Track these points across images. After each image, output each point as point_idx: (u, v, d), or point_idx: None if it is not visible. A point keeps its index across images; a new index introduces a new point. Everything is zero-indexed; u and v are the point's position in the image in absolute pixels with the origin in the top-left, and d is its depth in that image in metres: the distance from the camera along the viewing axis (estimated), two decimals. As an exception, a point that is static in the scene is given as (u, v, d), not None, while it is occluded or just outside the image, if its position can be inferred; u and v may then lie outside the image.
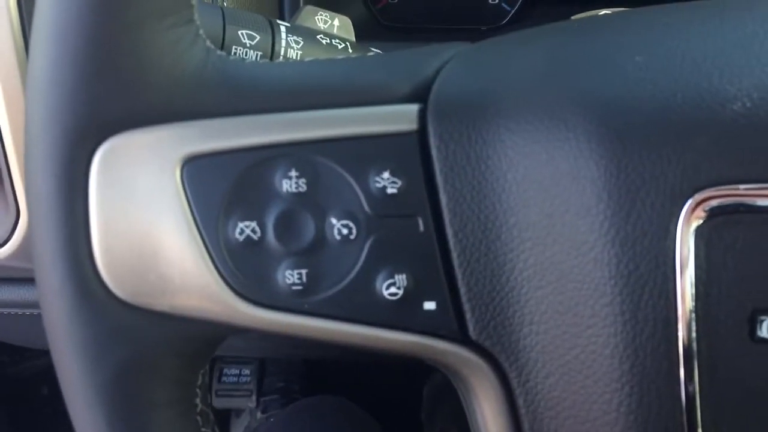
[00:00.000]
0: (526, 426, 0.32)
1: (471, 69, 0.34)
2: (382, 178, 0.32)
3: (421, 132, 0.32)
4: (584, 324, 0.30)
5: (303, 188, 0.32)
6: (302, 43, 0.47)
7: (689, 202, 0.28)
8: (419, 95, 0.33)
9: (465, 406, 0.36)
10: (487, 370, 0.33)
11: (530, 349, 0.32)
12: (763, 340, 0.29)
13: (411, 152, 0.32)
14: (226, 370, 1.05)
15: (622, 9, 0.52)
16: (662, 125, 0.29)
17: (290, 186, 0.32)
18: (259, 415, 1.03)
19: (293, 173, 0.32)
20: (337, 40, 0.49)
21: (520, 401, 0.32)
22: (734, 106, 0.29)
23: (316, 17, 0.51)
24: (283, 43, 0.47)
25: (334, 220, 0.32)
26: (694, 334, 0.29)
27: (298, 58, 0.47)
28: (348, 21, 0.52)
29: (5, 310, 0.69)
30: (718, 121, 0.29)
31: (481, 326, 0.32)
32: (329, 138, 0.32)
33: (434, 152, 0.32)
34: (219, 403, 1.00)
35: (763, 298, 0.29)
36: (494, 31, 0.82)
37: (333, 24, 0.51)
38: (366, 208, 0.32)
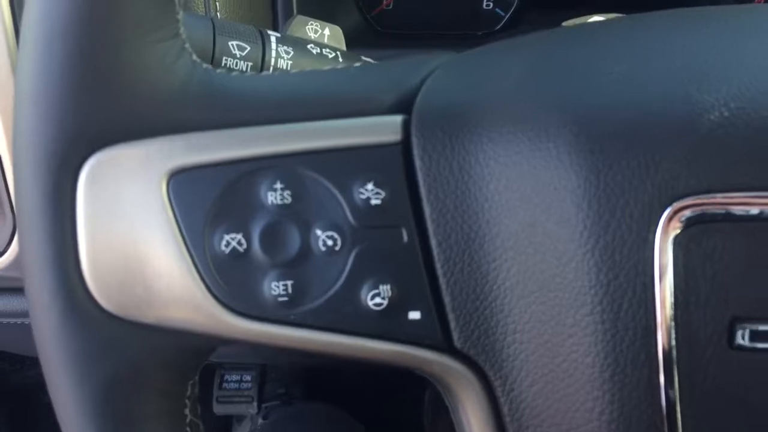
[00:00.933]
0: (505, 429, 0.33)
1: (454, 80, 0.34)
2: (366, 190, 0.32)
3: (405, 143, 0.33)
4: (566, 333, 0.31)
5: (288, 200, 0.32)
6: (292, 53, 0.48)
7: (667, 212, 0.29)
8: (403, 106, 0.33)
9: (452, 413, 0.36)
10: (472, 378, 0.33)
11: (514, 358, 0.32)
12: (742, 348, 0.29)
13: (395, 163, 0.32)
14: (227, 377, 1.05)
15: (614, 15, 0.53)
16: (640, 135, 0.29)
17: (275, 198, 0.32)
18: (260, 421, 1.03)
19: (278, 185, 0.32)
20: (328, 50, 0.50)
21: (504, 409, 0.33)
22: (711, 115, 0.29)
23: (306, 27, 0.51)
24: (274, 53, 0.47)
25: (319, 232, 0.32)
26: (673, 342, 0.29)
27: (289, 67, 0.48)
28: (339, 30, 0.53)
29: (4, 320, 0.69)
30: (695, 130, 0.29)
31: (466, 335, 0.32)
32: (313, 150, 0.33)
33: (418, 163, 0.32)
34: (220, 409, 1.01)
35: (741, 306, 0.29)
36: (489, 37, 0.82)
37: (323, 33, 0.51)
38: (350, 219, 0.32)
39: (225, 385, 1.04)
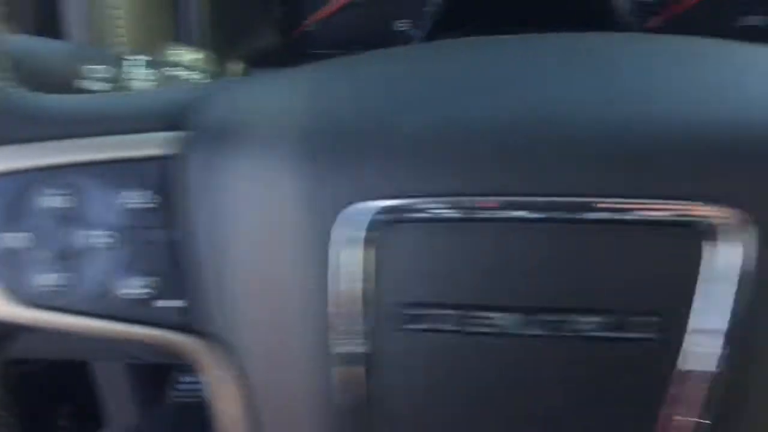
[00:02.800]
0: (245, 402, 0.38)
1: (221, 103, 0.39)
2: (137, 196, 0.38)
3: (173, 156, 0.38)
4: (282, 321, 0.36)
5: (68, 204, 0.38)
6: (148, 75, 0.54)
7: (343, 213, 0.33)
8: (174, 124, 0.39)
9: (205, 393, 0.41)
10: (216, 358, 0.38)
11: (247, 339, 0.37)
12: (411, 330, 0.33)
13: (162, 174, 0.38)
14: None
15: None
16: (332, 150, 0.34)
17: (56, 203, 0.38)
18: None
19: (58, 192, 0.38)
20: (185, 72, 0.55)
21: (240, 383, 0.38)
22: (396, 132, 0.34)
23: (169, 52, 0.57)
24: (130, 75, 0.53)
25: (94, 232, 0.38)
26: (360, 328, 0.34)
27: (144, 89, 0.53)
28: (200, 55, 0.58)
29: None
30: (379, 145, 0.34)
31: (210, 320, 0.37)
32: (92, 161, 0.38)
33: (182, 174, 0.37)
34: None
35: (411, 295, 0.33)
36: (407, 56, 0.87)
37: (184, 58, 0.57)
38: (122, 221, 0.38)
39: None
